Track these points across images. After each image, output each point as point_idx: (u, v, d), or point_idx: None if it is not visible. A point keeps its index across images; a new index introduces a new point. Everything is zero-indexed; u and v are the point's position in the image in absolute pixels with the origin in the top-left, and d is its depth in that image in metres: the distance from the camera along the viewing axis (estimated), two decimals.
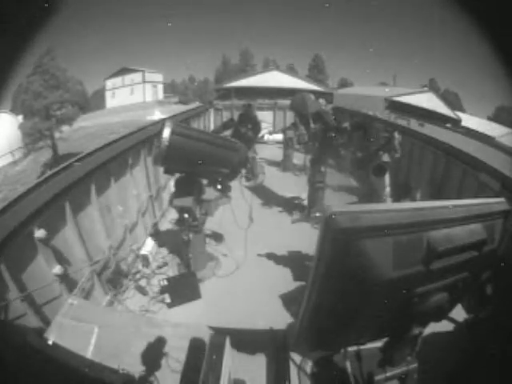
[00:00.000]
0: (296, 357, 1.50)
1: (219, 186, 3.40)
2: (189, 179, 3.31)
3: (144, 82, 34.66)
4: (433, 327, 1.07)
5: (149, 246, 3.96)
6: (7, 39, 1.22)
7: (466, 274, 0.96)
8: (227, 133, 5.32)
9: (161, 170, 5.25)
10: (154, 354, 1.51)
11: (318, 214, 4.84)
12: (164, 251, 4.09)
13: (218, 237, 4.34)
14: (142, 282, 3.50)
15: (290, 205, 5.48)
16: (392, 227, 0.78)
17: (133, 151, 4.33)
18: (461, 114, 21.10)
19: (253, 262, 3.87)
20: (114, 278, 3.31)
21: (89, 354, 1.49)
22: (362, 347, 1.13)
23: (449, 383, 1.21)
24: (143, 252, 3.83)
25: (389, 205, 3.66)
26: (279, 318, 2.42)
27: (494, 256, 1.02)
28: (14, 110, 18.26)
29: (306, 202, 5.21)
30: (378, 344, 1.10)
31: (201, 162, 3.06)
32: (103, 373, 1.32)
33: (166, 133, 2.83)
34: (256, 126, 7.12)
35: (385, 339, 1.08)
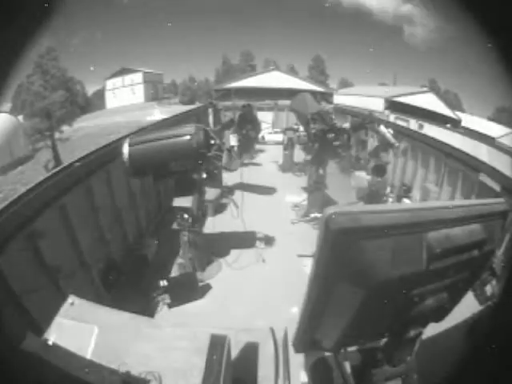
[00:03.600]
0: (296, 357, 1.50)
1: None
2: (188, 180, 3.30)
3: (144, 82, 34.67)
4: (433, 327, 1.07)
5: (149, 246, 3.96)
6: (7, 39, 1.22)
7: (465, 274, 0.96)
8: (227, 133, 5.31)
9: None
10: (153, 354, 1.51)
11: (317, 215, 4.84)
12: (164, 251, 4.10)
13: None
14: (142, 283, 3.50)
15: (289, 205, 5.49)
16: (392, 227, 0.78)
17: None
18: (461, 114, 21.13)
19: (253, 262, 3.88)
20: (115, 278, 3.31)
21: (89, 354, 1.49)
22: (361, 347, 1.13)
23: (449, 383, 1.21)
24: (144, 252, 3.84)
25: (388, 205, 3.67)
26: (279, 318, 2.42)
27: (494, 256, 1.02)
28: (14, 111, 18.27)
29: (305, 203, 5.21)
30: (378, 344, 1.10)
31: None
32: (103, 373, 1.32)
33: (125, 148, 2.99)
34: (256, 126, 7.13)
35: (385, 339, 1.08)
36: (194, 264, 3.52)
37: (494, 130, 17.81)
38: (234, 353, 1.57)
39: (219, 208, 5.14)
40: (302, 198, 5.49)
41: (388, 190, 4.43)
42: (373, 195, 4.70)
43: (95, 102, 33.03)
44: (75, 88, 20.31)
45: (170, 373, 1.42)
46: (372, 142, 6.24)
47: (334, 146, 4.57)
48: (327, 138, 4.53)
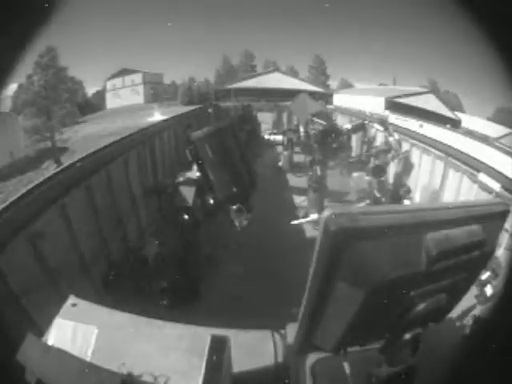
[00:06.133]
0: (296, 357, 1.50)
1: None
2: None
3: (144, 82, 34.61)
4: (433, 328, 1.07)
5: (149, 246, 3.96)
6: (8, 39, 1.22)
7: (465, 274, 0.96)
8: None
9: (160, 170, 5.28)
10: (153, 354, 1.51)
11: (317, 215, 4.84)
12: (164, 252, 4.09)
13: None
14: (142, 283, 3.50)
15: (289, 206, 5.49)
16: (391, 228, 0.78)
17: (133, 152, 4.34)
18: (460, 115, 21.09)
19: (252, 262, 3.88)
20: (115, 278, 3.31)
21: (89, 354, 1.49)
22: (361, 348, 1.13)
23: (449, 383, 1.21)
24: (143, 252, 3.84)
25: (388, 206, 3.66)
26: (279, 318, 2.42)
27: (494, 256, 1.03)
28: (14, 111, 18.25)
29: (305, 204, 5.21)
30: (378, 344, 1.10)
31: None
32: (103, 373, 1.32)
33: None
34: (256, 126, 7.14)
35: (384, 340, 1.08)
36: (194, 264, 3.52)
37: (494, 129, 17.76)
38: (234, 353, 1.57)
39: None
40: (301, 198, 5.49)
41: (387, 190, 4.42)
42: (371, 195, 4.70)
43: (95, 103, 33.00)
44: (75, 88, 20.30)
45: (170, 373, 1.42)
46: (372, 143, 6.24)
47: (333, 146, 4.58)
48: (327, 139, 4.54)
